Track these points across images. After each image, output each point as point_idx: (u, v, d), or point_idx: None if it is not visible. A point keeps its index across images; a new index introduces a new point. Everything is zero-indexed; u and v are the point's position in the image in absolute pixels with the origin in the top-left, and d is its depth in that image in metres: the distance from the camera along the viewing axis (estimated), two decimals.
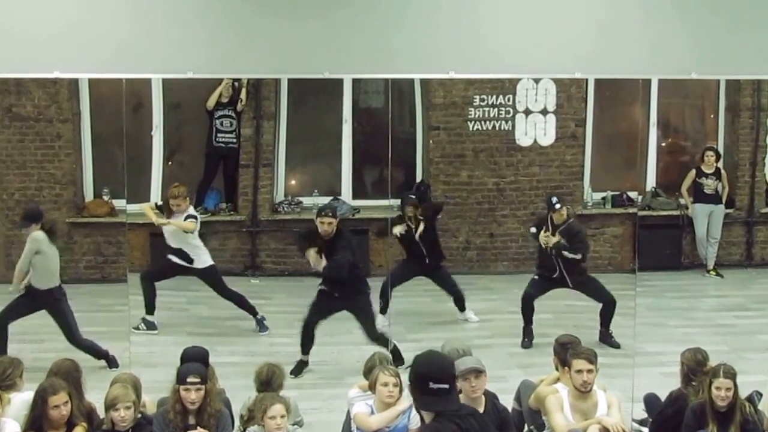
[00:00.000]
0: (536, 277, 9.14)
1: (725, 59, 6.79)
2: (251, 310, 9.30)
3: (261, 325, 9.26)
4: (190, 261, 9.16)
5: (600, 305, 8.92)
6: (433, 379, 4.05)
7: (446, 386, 4.05)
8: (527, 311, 9.01)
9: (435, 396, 4.04)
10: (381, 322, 8.97)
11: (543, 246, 8.95)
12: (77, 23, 6.41)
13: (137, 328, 9.02)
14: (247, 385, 6.30)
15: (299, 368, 8.25)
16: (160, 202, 9.49)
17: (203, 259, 9.22)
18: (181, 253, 9.17)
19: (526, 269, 11.25)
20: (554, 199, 8.96)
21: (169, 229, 9.15)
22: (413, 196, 9.63)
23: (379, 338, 8.18)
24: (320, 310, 8.37)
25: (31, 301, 8.08)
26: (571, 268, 8.90)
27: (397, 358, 8.07)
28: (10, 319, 8.17)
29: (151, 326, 9.14)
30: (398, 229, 9.30)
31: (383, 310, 9.04)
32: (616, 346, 8.77)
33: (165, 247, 9.28)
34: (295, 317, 9.69)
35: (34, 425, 5.56)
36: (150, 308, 9.17)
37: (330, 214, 8.25)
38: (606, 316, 8.92)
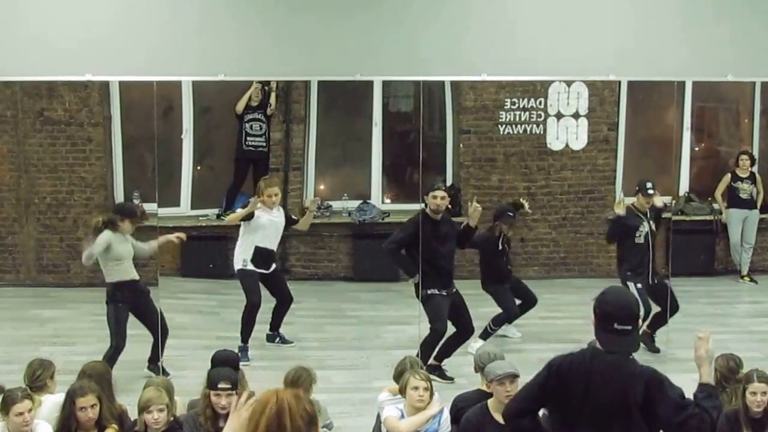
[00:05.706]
0: (639, 285, 8.53)
1: (762, 61, 6.70)
2: (276, 324, 8.87)
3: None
4: (276, 261, 8.70)
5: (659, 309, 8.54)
6: (619, 320, 4.26)
7: (629, 327, 4.27)
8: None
9: (618, 336, 4.27)
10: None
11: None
12: (109, 27, 6.43)
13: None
14: None
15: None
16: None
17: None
18: (266, 257, 8.62)
19: (556, 274, 11.19)
20: (649, 184, 8.66)
21: (268, 230, 8.50)
22: (510, 212, 8.98)
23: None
24: (444, 314, 7.87)
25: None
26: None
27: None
28: None
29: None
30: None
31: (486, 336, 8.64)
32: (656, 350, 8.57)
33: (223, 257, 8.70)
34: (324, 321, 9.70)
35: (64, 427, 5.58)
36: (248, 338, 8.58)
37: (444, 188, 7.91)
38: (659, 320, 8.53)
